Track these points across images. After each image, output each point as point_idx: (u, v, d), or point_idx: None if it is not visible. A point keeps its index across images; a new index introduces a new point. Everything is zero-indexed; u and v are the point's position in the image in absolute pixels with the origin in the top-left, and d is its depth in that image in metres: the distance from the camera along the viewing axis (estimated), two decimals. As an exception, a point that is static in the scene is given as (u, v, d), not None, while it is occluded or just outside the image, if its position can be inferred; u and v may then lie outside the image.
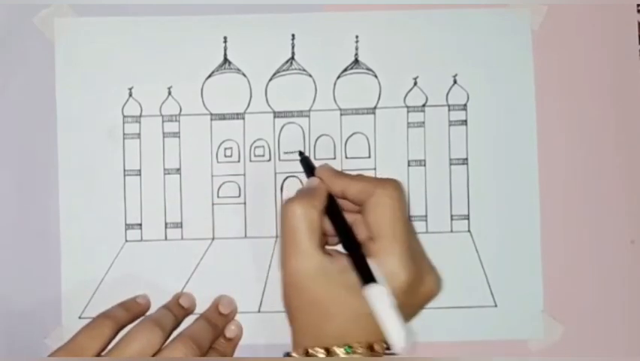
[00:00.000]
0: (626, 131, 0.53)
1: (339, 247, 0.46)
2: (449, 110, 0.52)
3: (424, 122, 0.52)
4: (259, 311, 0.52)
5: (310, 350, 0.44)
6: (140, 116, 0.52)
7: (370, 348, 0.43)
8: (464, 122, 0.52)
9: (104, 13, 0.52)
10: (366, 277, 0.43)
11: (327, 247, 0.47)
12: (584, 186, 0.52)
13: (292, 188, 0.52)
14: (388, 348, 0.43)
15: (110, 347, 0.46)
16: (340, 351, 0.43)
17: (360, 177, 0.47)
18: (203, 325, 0.49)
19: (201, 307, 0.52)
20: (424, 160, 0.52)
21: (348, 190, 0.46)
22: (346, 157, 0.52)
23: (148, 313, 0.51)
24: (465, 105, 0.52)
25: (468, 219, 0.52)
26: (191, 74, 0.53)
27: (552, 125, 0.52)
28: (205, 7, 0.52)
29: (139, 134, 0.52)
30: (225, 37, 0.53)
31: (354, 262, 0.44)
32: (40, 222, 0.52)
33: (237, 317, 0.52)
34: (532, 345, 0.52)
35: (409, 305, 0.45)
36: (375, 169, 0.52)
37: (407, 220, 0.45)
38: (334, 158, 0.52)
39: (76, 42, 0.52)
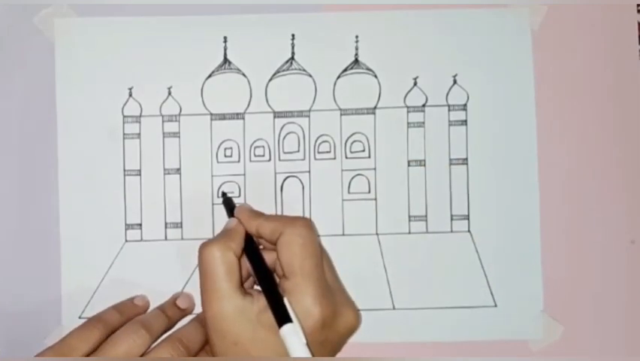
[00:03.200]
0: (626, 131, 0.53)
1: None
2: (449, 110, 0.52)
3: (423, 123, 0.52)
4: (259, 311, 0.52)
5: None
6: (140, 116, 0.52)
7: None
8: (464, 122, 0.52)
9: (104, 13, 0.52)
10: (281, 316, 0.43)
11: (250, 287, 0.47)
12: (583, 186, 0.52)
13: (292, 188, 0.52)
14: None
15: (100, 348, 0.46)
16: None
17: (272, 217, 0.47)
18: (195, 326, 0.49)
19: (198, 307, 0.51)
20: (424, 160, 0.52)
21: (261, 230, 0.47)
22: (346, 157, 0.52)
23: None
24: (465, 105, 0.52)
25: (468, 219, 0.52)
26: (191, 74, 0.53)
27: (552, 125, 0.52)
28: (205, 7, 0.52)
29: (139, 134, 0.52)
30: (225, 37, 0.53)
31: (269, 302, 0.44)
32: (40, 222, 0.52)
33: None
34: (532, 345, 0.52)
35: (328, 341, 0.45)
36: (375, 169, 0.52)
37: (319, 256, 0.46)
38: (334, 158, 0.52)
39: (76, 42, 0.52)
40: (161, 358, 0.46)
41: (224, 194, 0.52)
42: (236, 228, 0.47)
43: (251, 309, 0.44)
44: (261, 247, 0.48)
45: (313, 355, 0.43)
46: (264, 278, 0.46)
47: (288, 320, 0.43)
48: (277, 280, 0.46)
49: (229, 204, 0.50)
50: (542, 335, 0.52)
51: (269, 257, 0.47)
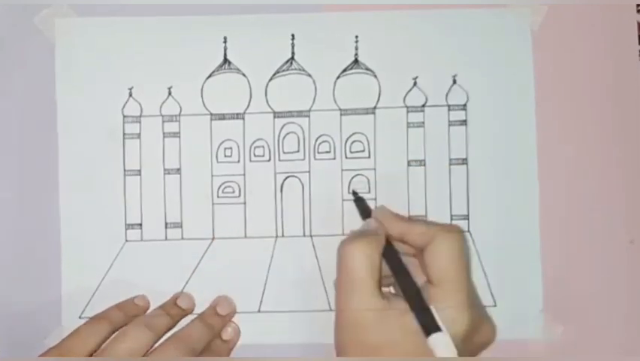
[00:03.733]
0: (626, 131, 0.53)
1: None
2: (449, 110, 0.52)
3: (423, 123, 0.52)
4: (259, 311, 0.52)
5: None
6: (140, 116, 0.52)
7: None
8: (464, 122, 0.52)
9: (104, 13, 0.52)
10: (429, 324, 0.43)
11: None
12: (583, 186, 0.52)
13: (292, 188, 0.52)
14: None
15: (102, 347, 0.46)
16: None
17: (420, 221, 0.47)
18: (198, 326, 0.49)
19: (201, 307, 0.52)
20: (424, 160, 0.52)
21: (408, 234, 0.46)
22: (346, 157, 0.52)
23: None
24: (465, 105, 0.52)
25: (468, 219, 0.52)
26: (191, 74, 0.53)
27: (552, 125, 0.52)
28: (205, 7, 0.52)
29: (139, 134, 0.52)
30: (225, 38, 0.53)
31: (414, 308, 0.44)
32: (40, 222, 0.52)
33: (237, 316, 0.52)
34: (532, 345, 0.52)
35: (465, 353, 0.45)
36: (374, 169, 0.52)
37: (468, 268, 0.46)
38: (334, 158, 0.52)
39: (77, 42, 0.52)
40: (165, 357, 0.46)
41: (355, 193, 0.51)
42: (377, 230, 0.47)
43: (390, 312, 0.44)
44: None
45: None
46: (409, 283, 0.45)
47: (437, 328, 0.43)
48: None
49: (363, 205, 0.50)
50: (542, 335, 0.52)
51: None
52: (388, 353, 0.43)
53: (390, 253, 0.46)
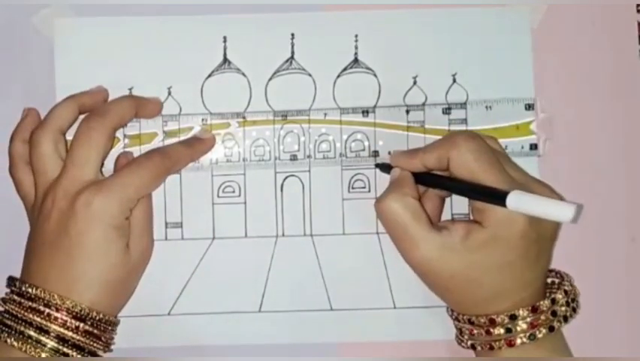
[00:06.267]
0: (626, 130, 0.53)
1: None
2: (449, 108, 0.52)
3: (423, 121, 0.52)
4: (259, 311, 0.52)
5: (475, 320, 0.45)
6: (140, 116, 0.52)
7: (534, 309, 0.44)
8: (464, 120, 0.52)
9: (104, 13, 0.52)
10: (499, 193, 0.43)
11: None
12: (584, 184, 0.52)
13: (292, 188, 0.52)
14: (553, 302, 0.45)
15: None
16: (504, 321, 0.44)
17: (430, 147, 0.47)
18: (182, 145, 0.51)
19: (199, 307, 0.52)
20: (424, 159, 0.52)
21: (428, 164, 0.47)
22: (346, 157, 0.52)
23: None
24: (464, 104, 0.52)
25: (468, 218, 0.52)
26: (191, 74, 0.53)
27: (552, 125, 0.52)
28: (205, 7, 0.53)
29: (139, 134, 0.52)
30: (225, 37, 0.53)
31: (475, 193, 0.44)
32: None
33: (237, 316, 0.52)
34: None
35: (542, 237, 0.45)
36: (375, 169, 0.52)
37: (497, 160, 0.45)
38: (334, 157, 0.52)
39: (76, 42, 0.52)
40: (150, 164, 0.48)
41: (377, 165, 0.52)
42: (401, 174, 0.47)
43: (452, 240, 0.44)
44: None
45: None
46: (456, 183, 0.46)
47: (506, 192, 0.42)
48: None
49: (382, 165, 0.51)
50: (543, 334, 0.52)
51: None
52: (467, 276, 0.44)
53: (431, 179, 0.47)
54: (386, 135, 0.52)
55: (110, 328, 0.47)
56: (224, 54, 0.53)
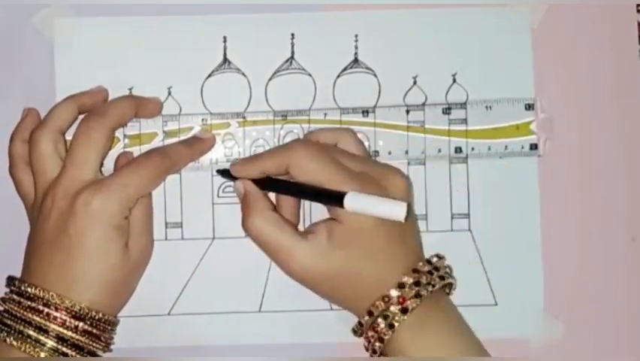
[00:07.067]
0: (626, 130, 0.53)
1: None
2: (449, 108, 0.52)
3: (423, 121, 0.52)
4: (259, 311, 0.52)
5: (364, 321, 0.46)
6: (141, 116, 0.52)
7: (400, 286, 0.45)
8: (464, 120, 0.52)
9: (104, 13, 0.52)
10: (335, 194, 0.44)
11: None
12: (584, 184, 0.52)
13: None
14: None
15: None
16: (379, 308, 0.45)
17: (267, 155, 0.48)
18: (182, 145, 0.51)
19: (199, 307, 0.52)
20: (424, 159, 0.52)
21: (267, 171, 0.48)
22: (346, 156, 0.52)
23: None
24: (464, 104, 0.52)
25: (468, 217, 0.52)
26: (191, 74, 0.53)
27: (551, 124, 0.52)
28: (205, 7, 0.53)
29: (139, 134, 0.52)
30: (225, 37, 0.53)
31: (314, 196, 0.46)
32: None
33: (237, 316, 0.52)
34: (533, 344, 0.52)
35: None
36: (375, 168, 0.52)
37: (333, 160, 0.46)
38: (334, 157, 0.52)
39: (76, 42, 0.52)
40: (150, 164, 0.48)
41: (218, 171, 0.51)
42: (247, 192, 0.48)
43: (319, 242, 0.46)
44: None
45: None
46: (293, 185, 0.47)
47: (342, 193, 0.44)
48: None
49: (222, 172, 0.51)
50: (543, 334, 0.52)
51: None
52: (352, 268, 0.45)
53: (272, 186, 0.48)
54: (386, 135, 0.52)
55: (109, 328, 0.47)
56: (224, 54, 0.53)
